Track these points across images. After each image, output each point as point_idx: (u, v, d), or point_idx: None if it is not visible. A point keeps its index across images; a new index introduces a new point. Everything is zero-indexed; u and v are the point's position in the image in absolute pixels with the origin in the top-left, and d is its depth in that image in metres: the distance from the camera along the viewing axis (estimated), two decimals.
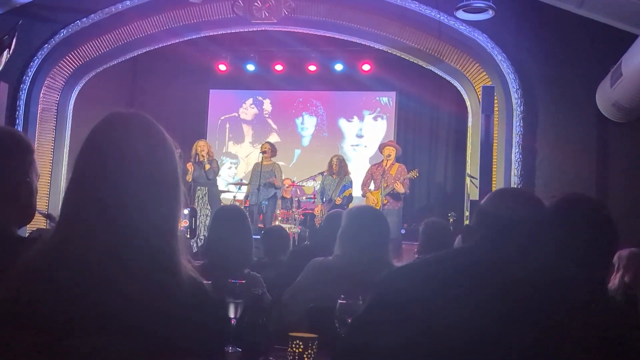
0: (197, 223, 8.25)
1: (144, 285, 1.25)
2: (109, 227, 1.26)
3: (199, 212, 8.41)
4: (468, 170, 8.48)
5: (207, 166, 8.44)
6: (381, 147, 8.76)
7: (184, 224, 7.95)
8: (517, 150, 7.68)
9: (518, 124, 7.70)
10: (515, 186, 7.64)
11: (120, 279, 1.24)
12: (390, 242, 3.06)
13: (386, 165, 8.38)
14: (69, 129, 9.02)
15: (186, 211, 8.12)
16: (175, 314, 1.28)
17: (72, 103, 9.12)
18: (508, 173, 7.73)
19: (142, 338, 1.24)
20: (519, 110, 7.70)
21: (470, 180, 8.13)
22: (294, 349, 1.96)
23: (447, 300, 1.38)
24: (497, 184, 7.80)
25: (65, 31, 8.55)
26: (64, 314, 1.21)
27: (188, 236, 7.80)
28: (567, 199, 2.00)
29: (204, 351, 1.34)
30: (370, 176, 8.57)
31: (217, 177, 8.97)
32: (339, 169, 8.78)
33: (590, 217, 1.93)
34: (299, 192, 9.92)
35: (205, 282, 1.45)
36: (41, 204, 8.18)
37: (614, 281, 3.85)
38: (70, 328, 1.21)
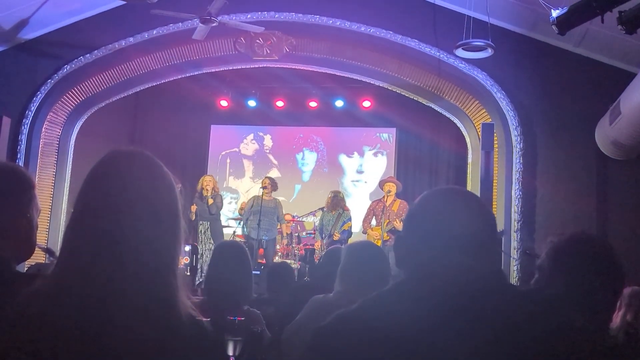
0: (199, 259, 8.23)
1: (143, 323, 1.24)
2: (108, 266, 1.25)
3: (202, 247, 8.39)
4: None
5: (210, 201, 8.46)
6: (381, 184, 8.77)
7: (184, 260, 7.93)
8: (517, 187, 7.68)
9: (518, 161, 7.72)
10: (516, 222, 7.63)
11: (119, 317, 1.23)
12: (392, 278, 3.02)
13: (387, 201, 8.37)
14: (70, 163, 9.04)
15: (187, 248, 8.11)
16: (175, 353, 1.26)
17: (74, 138, 9.16)
18: (508, 210, 7.72)
19: None
20: (518, 147, 7.73)
21: None
22: None
23: (396, 349, 1.21)
24: (498, 220, 7.77)
25: (68, 67, 8.64)
26: (62, 352, 1.20)
27: (188, 273, 7.77)
28: (574, 238, 1.99)
29: None
30: (371, 212, 8.55)
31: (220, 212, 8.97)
32: (332, 203, 8.75)
33: (598, 258, 1.93)
34: (299, 228, 9.90)
35: (204, 319, 1.44)
36: (41, 238, 8.15)
37: (616, 320, 3.81)
38: None
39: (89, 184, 1.33)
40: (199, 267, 8.24)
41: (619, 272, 1.93)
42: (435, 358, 1.19)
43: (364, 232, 8.58)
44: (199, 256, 8.28)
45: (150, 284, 1.28)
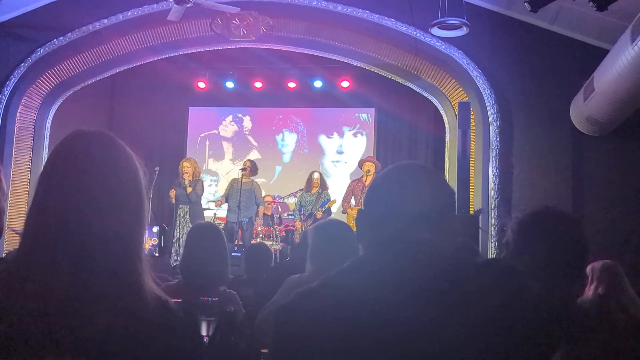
0: (174, 242, 8.22)
1: (108, 308, 1.24)
2: (70, 247, 1.25)
3: (179, 231, 8.37)
4: None
5: (189, 189, 8.44)
6: (360, 163, 8.81)
7: (152, 242, 7.94)
8: (494, 164, 7.75)
9: (495, 138, 7.78)
10: (493, 200, 7.70)
11: (82, 299, 1.23)
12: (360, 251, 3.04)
13: (366, 181, 8.42)
14: (47, 147, 8.95)
15: (155, 229, 8.11)
16: (142, 336, 1.27)
17: (50, 122, 9.07)
18: (485, 187, 7.79)
19: (106, 359, 1.23)
20: (495, 125, 7.78)
21: None
22: None
23: (363, 323, 1.22)
24: (475, 198, 7.86)
25: (42, 50, 8.51)
26: (24, 340, 1.20)
27: (157, 254, 7.77)
28: (537, 212, 2.03)
29: None
30: (350, 192, 8.60)
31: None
32: (321, 182, 8.82)
33: (560, 230, 1.96)
34: (280, 209, 9.92)
35: (174, 300, 1.44)
36: (19, 223, 8.10)
37: (588, 293, 3.88)
38: (32, 351, 1.20)
39: (49, 166, 1.32)
40: (173, 250, 8.25)
41: (581, 244, 1.97)
42: (397, 331, 1.20)
43: (344, 212, 8.63)
44: (174, 239, 8.27)
45: (115, 268, 1.28)
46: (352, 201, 8.55)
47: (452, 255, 1.32)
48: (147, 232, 1.53)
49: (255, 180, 9.16)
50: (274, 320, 1.32)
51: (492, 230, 7.61)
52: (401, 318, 1.21)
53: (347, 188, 8.79)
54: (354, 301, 1.25)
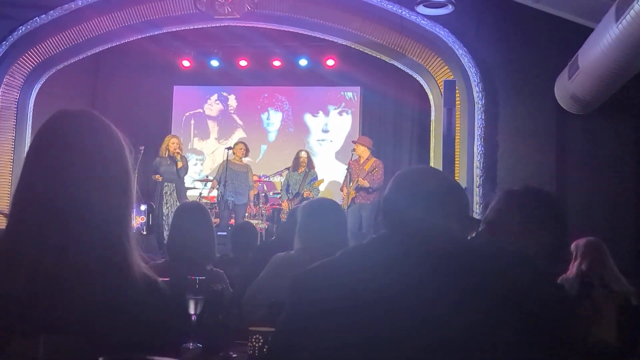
0: (159, 219, 8.18)
1: (96, 284, 1.25)
2: (58, 227, 1.25)
3: (168, 208, 8.32)
4: (431, 164, 8.55)
5: (180, 164, 8.38)
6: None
7: (140, 220, 7.90)
8: (479, 142, 7.78)
9: (480, 117, 7.80)
10: (478, 178, 7.75)
11: (71, 278, 1.23)
12: (348, 231, 3.10)
13: (360, 160, 8.44)
14: (30, 127, 8.85)
15: (143, 207, 8.07)
16: (130, 314, 1.28)
17: (33, 101, 8.96)
18: (470, 165, 7.83)
19: (96, 337, 1.24)
20: (480, 103, 7.81)
21: None
22: (254, 343, 1.97)
23: (372, 293, 1.30)
24: (460, 176, 7.90)
25: (23, 28, 8.38)
26: (15, 314, 1.20)
27: (145, 232, 7.74)
28: (519, 192, 2.05)
29: (158, 347, 1.35)
30: (348, 172, 8.62)
31: None
32: (308, 161, 8.82)
33: (541, 209, 1.98)
34: (266, 188, 9.92)
35: (162, 279, 1.45)
36: (3, 203, 8.06)
37: (572, 269, 3.95)
38: (22, 328, 1.21)
39: (35, 146, 1.32)
40: (164, 226, 8.21)
41: (561, 222, 1.99)
42: (409, 304, 1.28)
43: (341, 190, 8.68)
44: (163, 217, 8.23)
45: (102, 246, 1.28)
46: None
47: (463, 239, 1.48)
48: (134, 210, 1.53)
49: (247, 164, 9.13)
50: (292, 284, 1.41)
51: (477, 209, 7.66)
52: (413, 292, 1.29)
53: (347, 169, 8.81)
54: (372, 274, 1.34)
